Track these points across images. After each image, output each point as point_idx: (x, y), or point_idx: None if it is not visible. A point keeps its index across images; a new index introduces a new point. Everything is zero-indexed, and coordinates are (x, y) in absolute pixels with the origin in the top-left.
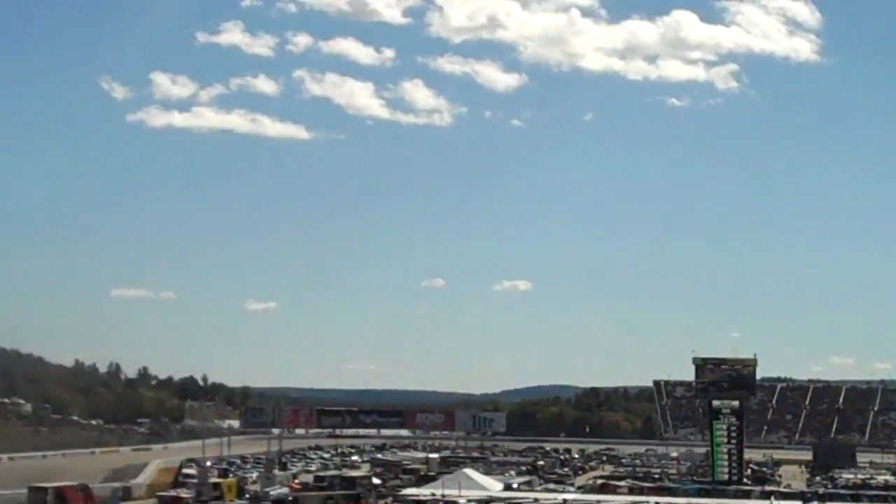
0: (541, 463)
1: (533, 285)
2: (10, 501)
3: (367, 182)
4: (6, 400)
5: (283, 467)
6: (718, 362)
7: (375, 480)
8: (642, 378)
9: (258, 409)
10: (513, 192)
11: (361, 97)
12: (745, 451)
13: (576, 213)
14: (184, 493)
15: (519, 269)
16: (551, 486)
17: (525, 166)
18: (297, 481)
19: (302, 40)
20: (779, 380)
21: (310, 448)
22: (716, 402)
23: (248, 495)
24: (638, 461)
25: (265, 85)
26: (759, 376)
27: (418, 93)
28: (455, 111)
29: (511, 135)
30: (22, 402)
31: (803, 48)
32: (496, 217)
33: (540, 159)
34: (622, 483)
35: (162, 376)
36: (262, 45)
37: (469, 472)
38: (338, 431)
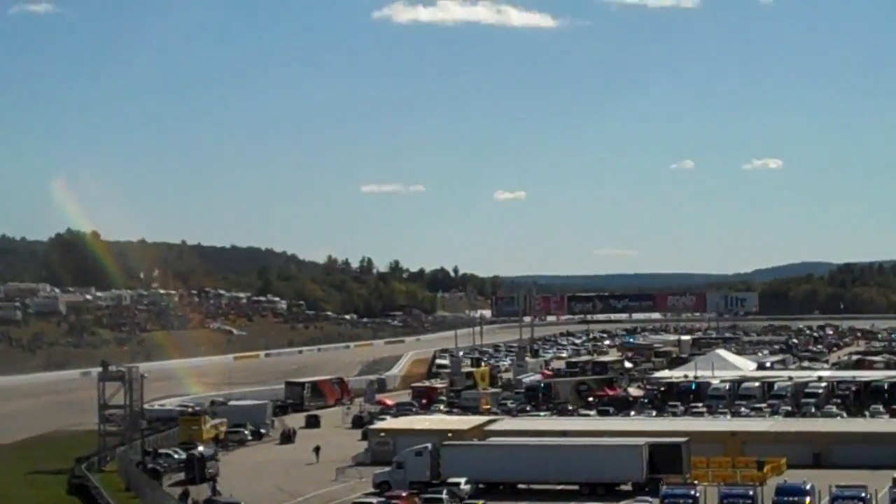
0: (794, 341)
1: (784, 163)
2: (268, 395)
3: (612, 68)
4: (262, 298)
5: (536, 354)
6: None
7: (627, 364)
8: None
9: (509, 297)
10: (761, 68)
11: None
12: None
13: (826, 88)
14: (437, 384)
15: (769, 147)
16: (805, 363)
17: (773, 43)
18: (549, 368)
19: None
20: None
21: (561, 334)
22: None
23: (501, 383)
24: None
25: None
26: None
27: None
28: None
29: (758, 13)
30: (277, 299)
31: None
32: (744, 96)
33: (789, 35)
34: (878, 358)
35: (413, 269)
36: None
37: (722, 352)
38: (589, 317)
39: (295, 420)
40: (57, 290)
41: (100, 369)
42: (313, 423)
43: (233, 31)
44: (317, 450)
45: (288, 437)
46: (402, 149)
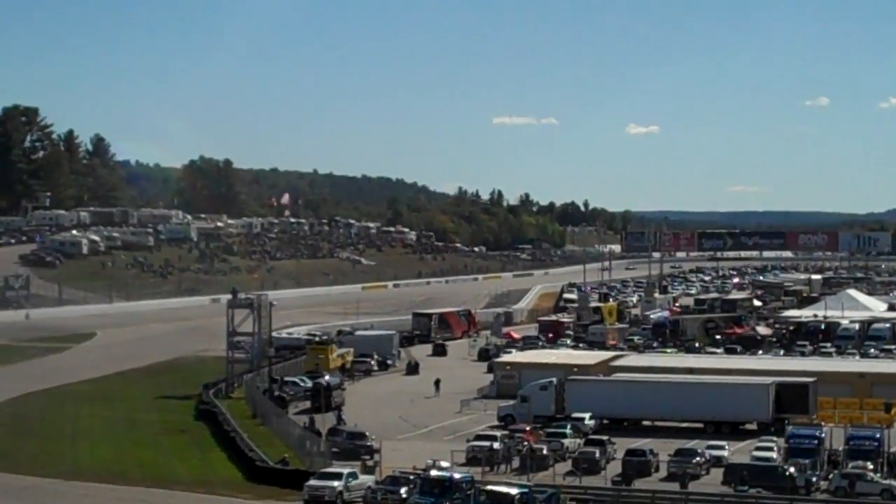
0: None
1: None
2: (395, 326)
3: (748, 2)
4: (391, 228)
5: (664, 290)
6: None
7: (756, 303)
8: None
9: (639, 232)
10: None
11: None
12: None
13: None
14: (564, 318)
15: None
16: None
17: None
18: (677, 304)
19: None
20: None
21: (691, 271)
22: None
23: (628, 319)
24: None
25: None
26: None
27: None
28: None
29: None
30: (407, 230)
31: None
32: (881, 33)
33: None
34: None
35: (543, 202)
36: None
37: (852, 292)
38: (719, 254)
39: (422, 350)
40: (189, 217)
41: (229, 296)
42: (440, 351)
43: None
44: (437, 383)
45: (414, 369)
46: (535, 81)
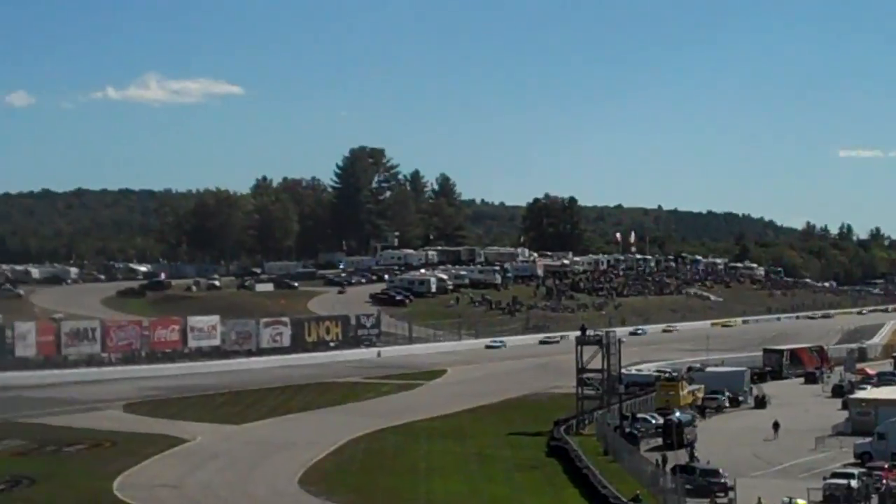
0: None
1: None
2: (745, 362)
3: None
4: (739, 264)
5: None
6: None
7: None
8: None
9: None
10: None
11: None
12: None
13: None
14: None
15: None
16: None
17: None
18: None
19: None
20: None
21: None
22: None
23: None
24: None
25: None
26: None
27: None
28: None
29: None
30: (755, 266)
31: None
32: None
33: None
34: None
35: (895, 236)
36: None
37: None
38: None
39: (793, 381)
40: (535, 255)
41: (577, 333)
42: (812, 379)
43: None
44: (776, 425)
45: (761, 402)
46: (881, 114)
